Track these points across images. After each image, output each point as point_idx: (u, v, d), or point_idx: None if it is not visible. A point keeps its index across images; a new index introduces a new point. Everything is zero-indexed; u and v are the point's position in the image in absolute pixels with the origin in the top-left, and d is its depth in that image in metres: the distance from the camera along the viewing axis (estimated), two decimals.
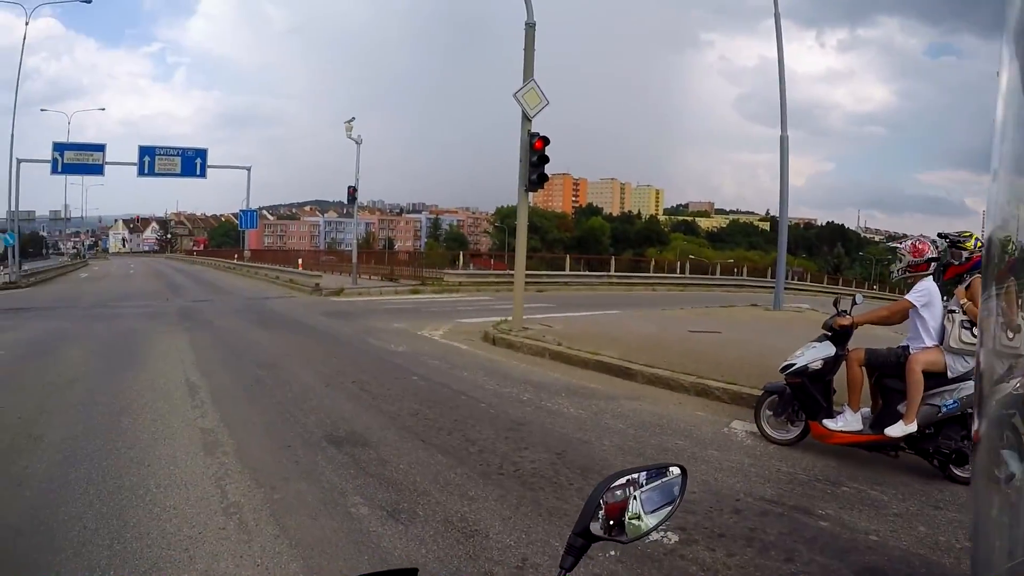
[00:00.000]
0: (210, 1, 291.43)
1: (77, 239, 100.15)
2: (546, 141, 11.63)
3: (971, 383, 4.72)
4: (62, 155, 32.97)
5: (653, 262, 44.37)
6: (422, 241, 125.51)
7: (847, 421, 5.21)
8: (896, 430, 4.86)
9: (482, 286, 27.71)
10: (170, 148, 35.93)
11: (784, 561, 3.48)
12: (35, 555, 3.42)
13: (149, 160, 34.72)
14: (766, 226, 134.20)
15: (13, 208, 30.68)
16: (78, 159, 33.57)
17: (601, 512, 1.17)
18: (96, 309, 17.71)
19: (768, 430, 5.75)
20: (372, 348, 10.74)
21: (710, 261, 56.37)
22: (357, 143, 26.61)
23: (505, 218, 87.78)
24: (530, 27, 11.87)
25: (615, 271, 35.83)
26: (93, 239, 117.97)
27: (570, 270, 34.03)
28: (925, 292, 5.06)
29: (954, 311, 4.87)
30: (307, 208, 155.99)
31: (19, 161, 30.36)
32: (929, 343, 4.98)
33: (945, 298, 5.16)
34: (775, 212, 23.23)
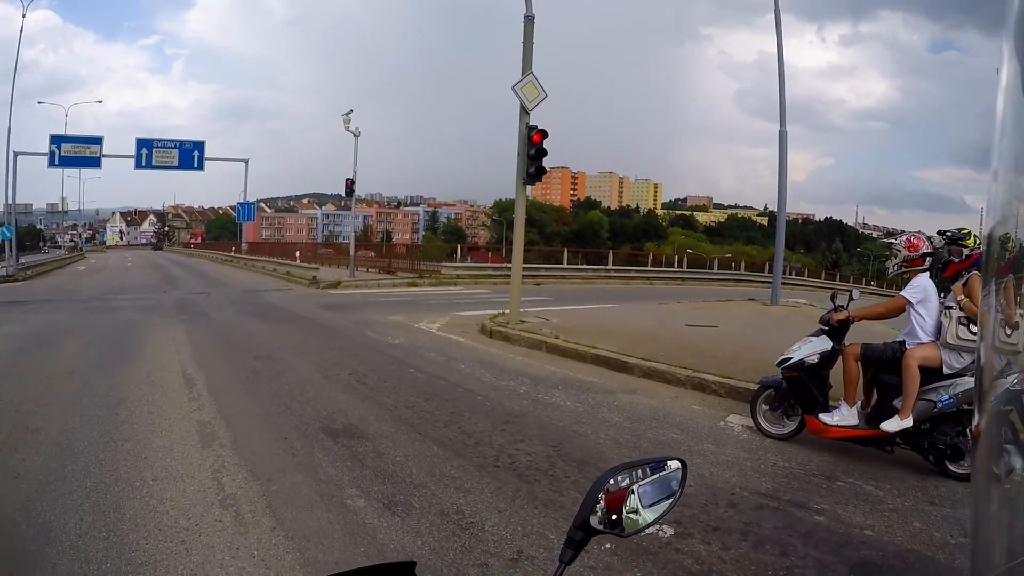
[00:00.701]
0: None
1: (74, 232, 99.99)
2: (544, 134, 11.64)
3: (967, 379, 4.75)
4: (59, 148, 32.83)
5: (651, 256, 44.35)
6: (420, 234, 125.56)
7: (843, 416, 5.22)
8: (892, 425, 4.88)
9: (480, 279, 27.73)
10: (168, 140, 35.83)
11: (779, 555, 3.49)
12: (32, 547, 3.41)
13: (147, 153, 34.60)
14: (764, 221, 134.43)
15: (10, 201, 30.53)
16: (75, 152, 33.43)
17: (600, 505, 1.17)
18: (93, 302, 17.66)
19: (764, 424, 5.77)
20: (369, 340, 10.73)
21: (708, 255, 56.37)
22: (355, 136, 26.61)
23: (503, 211, 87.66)
24: (529, 20, 11.85)
25: (613, 265, 35.85)
26: (90, 232, 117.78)
27: (568, 263, 34.04)
28: (920, 288, 5.07)
29: (951, 307, 4.88)
30: (305, 201, 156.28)
31: (16, 154, 30.20)
32: (925, 339, 4.99)
33: (943, 295, 5.17)
34: (774, 207, 23.21)
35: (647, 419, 6.26)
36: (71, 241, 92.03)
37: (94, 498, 4.04)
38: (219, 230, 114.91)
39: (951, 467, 4.76)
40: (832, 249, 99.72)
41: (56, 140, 33.05)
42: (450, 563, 3.32)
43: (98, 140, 34.13)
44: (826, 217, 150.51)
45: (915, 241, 5.22)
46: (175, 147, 35.56)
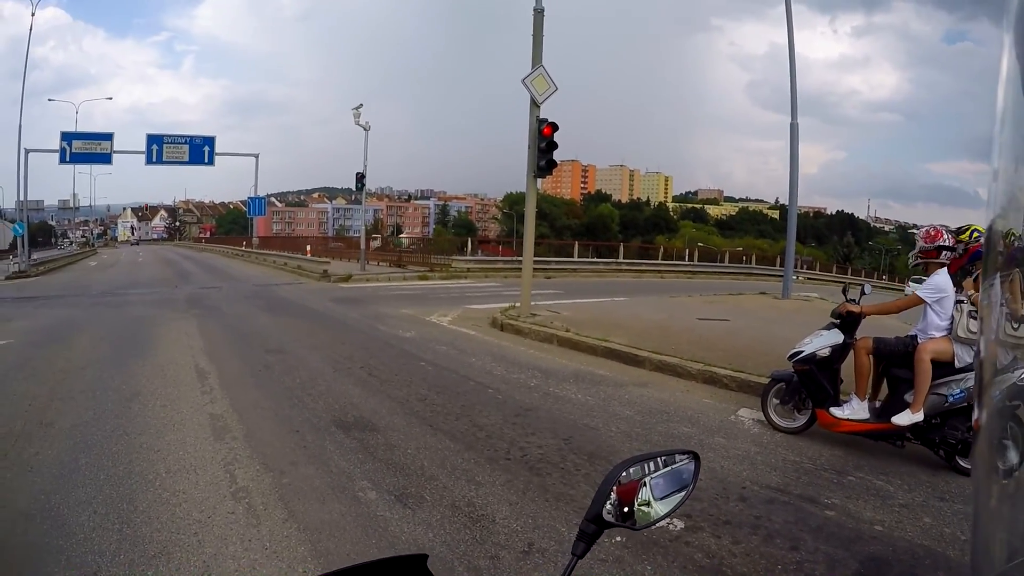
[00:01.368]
0: None
1: (86, 228, 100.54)
2: (555, 127, 11.60)
3: None
4: (70, 144, 32.94)
5: (662, 249, 44.24)
6: (430, 227, 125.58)
7: (854, 409, 5.20)
8: (903, 419, 4.86)
9: (490, 272, 27.72)
10: (178, 136, 35.87)
11: (789, 550, 3.48)
12: (46, 540, 3.45)
13: (157, 148, 34.66)
14: (775, 214, 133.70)
15: (22, 198, 30.73)
16: (86, 148, 33.53)
17: (613, 498, 1.17)
18: (105, 297, 17.80)
19: (775, 418, 5.75)
20: (380, 334, 10.76)
21: (719, 249, 56.17)
22: (365, 129, 26.58)
23: (513, 204, 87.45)
24: (538, 13, 11.81)
25: (624, 258, 35.74)
26: (102, 228, 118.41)
27: (578, 257, 34.00)
28: (935, 287, 5.03)
29: (962, 301, 4.85)
30: (315, 195, 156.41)
31: (27, 151, 30.37)
32: (937, 334, 4.96)
33: (954, 290, 5.14)
34: (786, 200, 23.08)
35: (658, 412, 6.26)
36: (83, 237, 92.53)
37: (107, 491, 4.08)
38: (230, 225, 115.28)
39: (961, 462, 4.73)
40: (844, 243, 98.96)
41: (67, 137, 33.15)
42: (461, 555, 3.34)
43: (108, 136, 34.22)
44: (838, 210, 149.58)
45: (933, 233, 5.18)
46: (185, 143, 35.60)
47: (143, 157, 34.59)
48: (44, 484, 4.22)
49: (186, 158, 35.59)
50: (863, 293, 5.72)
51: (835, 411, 5.25)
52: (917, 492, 4.40)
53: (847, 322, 5.41)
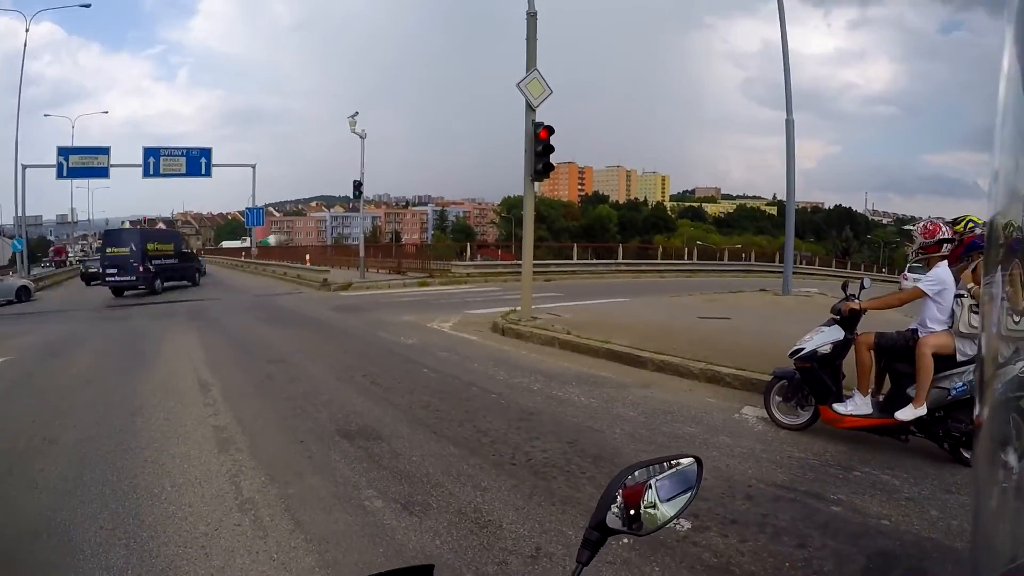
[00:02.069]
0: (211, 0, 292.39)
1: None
2: (551, 130, 11.62)
3: None
4: (67, 159, 33.05)
5: (660, 249, 44.32)
6: (429, 233, 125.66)
7: (857, 405, 5.19)
8: (906, 413, 4.85)
9: (490, 277, 27.74)
10: (175, 148, 35.97)
11: (797, 547, 3.48)
12: (53, 557, 3.45)
13: (154, 161, 34.76)
14: (773, 211, 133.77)
15: (20, 214, 30.79)
16: (83, 163, 33.62)
17: (619, 501, 1.17)
18: (106, 310, 17.80)
19: (778, 415, 5.75)
20: (382, 341, 10.76)
21: (717, 247, 56.17)
22: (361, 137, 26.66)
23: (511, 208, 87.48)
24: (531, 17, 11.84)
25: (623, 259, 35.81)
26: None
27: (578, 259, 34.06)
28: (936, 280, 5.02)
29: (962, 295, 4.85)
30: (313, 204, 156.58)
31: (24, 167, 30.44)
32: (938, 328, 4.95)
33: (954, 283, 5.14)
34: (783, 196, 23.09)
35: (662, 413, 6.25)
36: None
37: (113, 506, 4.08)
38: (228, 235, 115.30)
39: (966, 454, 4.72)
40: (843, 237, 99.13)
41: (64, 152, 33.27)
42: (469, 562, 3.33)
43: (105, 150, 34.33)
44: (836, 205, 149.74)
45: (931, 227, 5.17)
46: (182, 155, 35.70)
47: (140, 170, 34.67)
48: (50, 501, 4.22)
49: (183, 170, 35.70)
50: (863, 287, 5.71)
51: (838, 407, 5.25)
52: (923, 485, 4.39)
53: (848, 318, 5.41)
